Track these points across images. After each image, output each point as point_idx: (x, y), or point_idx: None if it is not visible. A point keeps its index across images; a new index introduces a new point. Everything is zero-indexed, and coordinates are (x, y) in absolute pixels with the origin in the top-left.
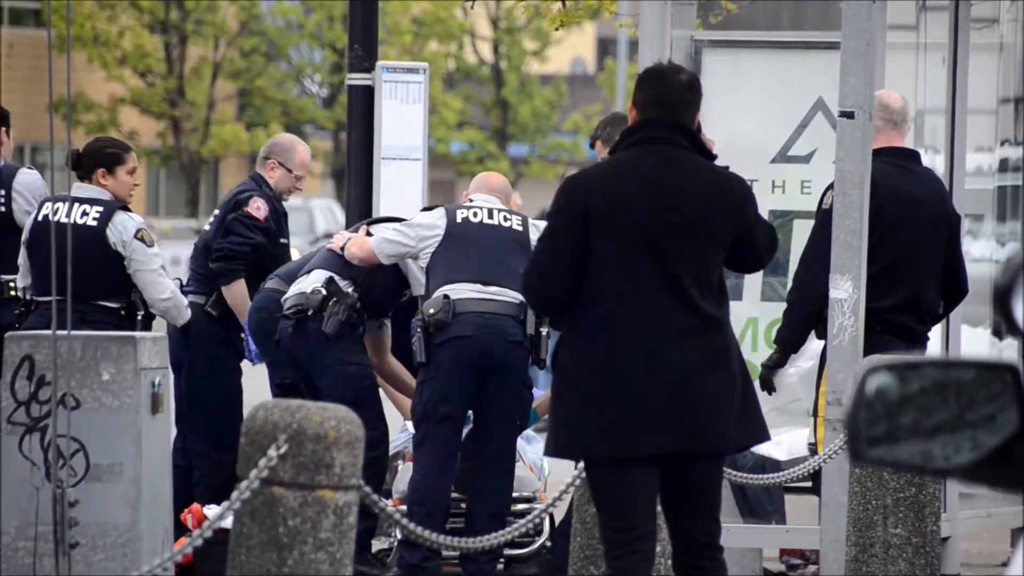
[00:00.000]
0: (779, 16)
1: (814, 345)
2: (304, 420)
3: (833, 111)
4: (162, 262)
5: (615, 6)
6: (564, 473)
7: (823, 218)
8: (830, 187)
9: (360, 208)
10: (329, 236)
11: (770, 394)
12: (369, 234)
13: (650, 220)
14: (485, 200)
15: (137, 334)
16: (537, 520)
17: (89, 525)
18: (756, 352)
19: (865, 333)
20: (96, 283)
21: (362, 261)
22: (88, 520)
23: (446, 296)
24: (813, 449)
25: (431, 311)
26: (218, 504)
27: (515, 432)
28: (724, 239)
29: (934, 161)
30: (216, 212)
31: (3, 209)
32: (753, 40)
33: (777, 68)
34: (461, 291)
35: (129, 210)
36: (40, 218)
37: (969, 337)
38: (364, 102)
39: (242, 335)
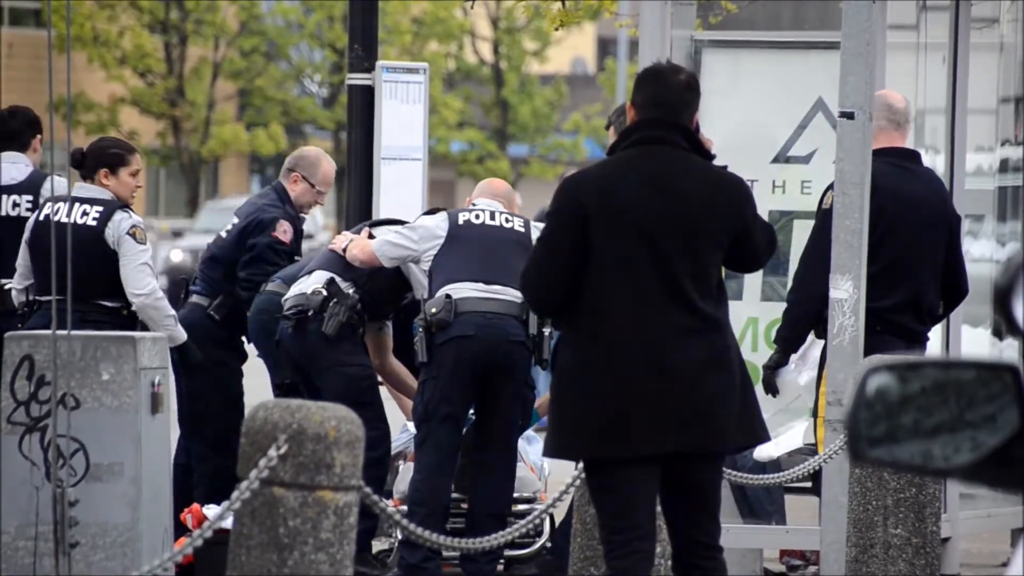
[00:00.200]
0: (779, 16)
1: (814, 352)
2: (304, 420)
3: (833, 111)
4: (149, 261)
5: (615, 6)
6: (564, 473)
7: (823, 218)
8: (830, 187)
9: (360, 208)
10: (309, 238)
11: (774, 396)
12: (371, 236)
13: (648, 220)
14: (488, 204)
15: (137, 334)
16: (537, 521)
17: (89, 525)
18: (756, 352)
19: (865, 333)
20: (96, 283)
21: (363, 263)
22: (88, 520)
23: (448, 296)
24: (813, 449)
25: (433, 310)
26: (218, 504)
27: (516, 432)
28: (722, 239)
29: (934, 161)
30: (235, 221)
31: (31, 214)
32: (753, 40)
33: (777, 68)
34: (463, 290)
35: (130, 210)
36: (41, 218)
37: (969, 337)
38: (364, 102)
39: (243, 338)
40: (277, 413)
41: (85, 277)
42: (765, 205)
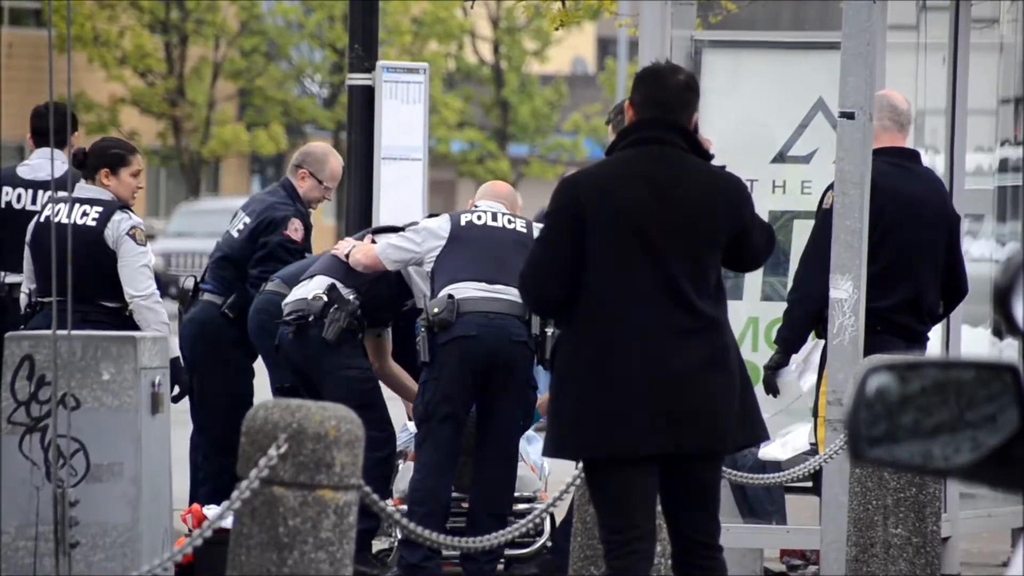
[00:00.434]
0: (779, 16)
1: (817, 356)
2: (304, 419)
3: (833, 111)
4: (149, 262)
5: (615, 6)
6: (564, 473)
7: (823, 218)
8: (830, 187)
9: (360, 208)
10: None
11: (775, 396)
12: (374, 242)
13: (647, 220)
14: (490, 206)
15: (137, 334)
16: (537, 520)
17: (89, 525)
18: (756, 352)
19: (865, 333)
20: (97, 283)
21: (367, 268)
22: (88, 520)
23: (451, 296)
24: (814, 449)
25: (435, 310)
26: (219, 504)
27: (518, 432)
28: (721, 239)
29: (934, 161)
30: (245, 220)
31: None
32: (753, 40)
33: (777, 68)
34: (466, 290)
35: (130, 210)
36: (42, 219)
37: (969, 337)
38: (364, 102)
39: None
40: (277, 413)
41: (86, 278)
42: (765, 205)
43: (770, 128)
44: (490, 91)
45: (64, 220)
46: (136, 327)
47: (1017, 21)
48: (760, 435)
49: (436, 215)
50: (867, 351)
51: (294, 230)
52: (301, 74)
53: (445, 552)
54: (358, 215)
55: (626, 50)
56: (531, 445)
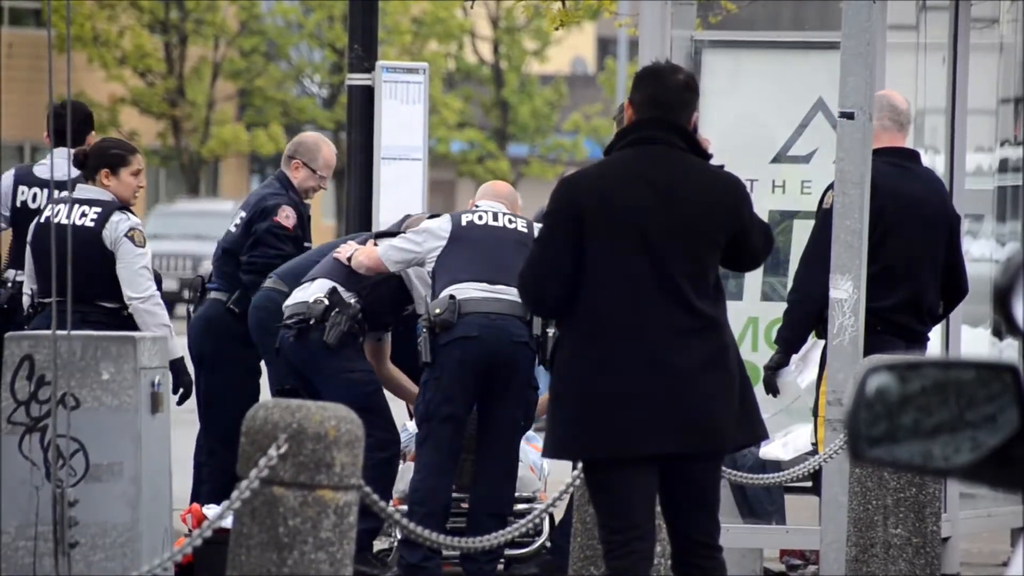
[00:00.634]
0: (779, 16)
1: (816, 354)
2: (304, 419)
3: (833, 111)
4: (148, 263)
5: (615, 6)
6: (564, 473)
7: (823, 218)
8: (830, 187)
9: (360, 208)
10: None
11: (774, 396)
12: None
13: (645, 220)
14: (491, 206)
15: (137, 334)
16: (537, 520)
17: (89, 525)
18: (756, 352)
19: (865, 333)
20: (96, 284)
21: (370, 270)
22: (88, 520)
23: (452, 296)
24: (814, 449)
25: (437, 311)
26: (219, 504)
27: (518, 433)
28: (719, 239)
29: (934, 161)
30: (242, 214)
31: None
32: (753, 40)
33: (777, 68)
34: (467, 290)
35: (129, 211)
36: (43, 220)
37: (969, 337)
38: (364, 102)
39: None
40: (277, 413)
41: (84, 278)
42: (765, 205)
43: (770, 128)
44: (490, 91)
45: (64, 220)
46: (136, 327)
47: (1017, 21)
48: (760, 435)
49: (437, 215)
50: (867, 351)
51: (284, 217)
52: (301, 74)
53: (445, 552)
54: (358, 215)
55: (626, 50)
56: (531, 445)
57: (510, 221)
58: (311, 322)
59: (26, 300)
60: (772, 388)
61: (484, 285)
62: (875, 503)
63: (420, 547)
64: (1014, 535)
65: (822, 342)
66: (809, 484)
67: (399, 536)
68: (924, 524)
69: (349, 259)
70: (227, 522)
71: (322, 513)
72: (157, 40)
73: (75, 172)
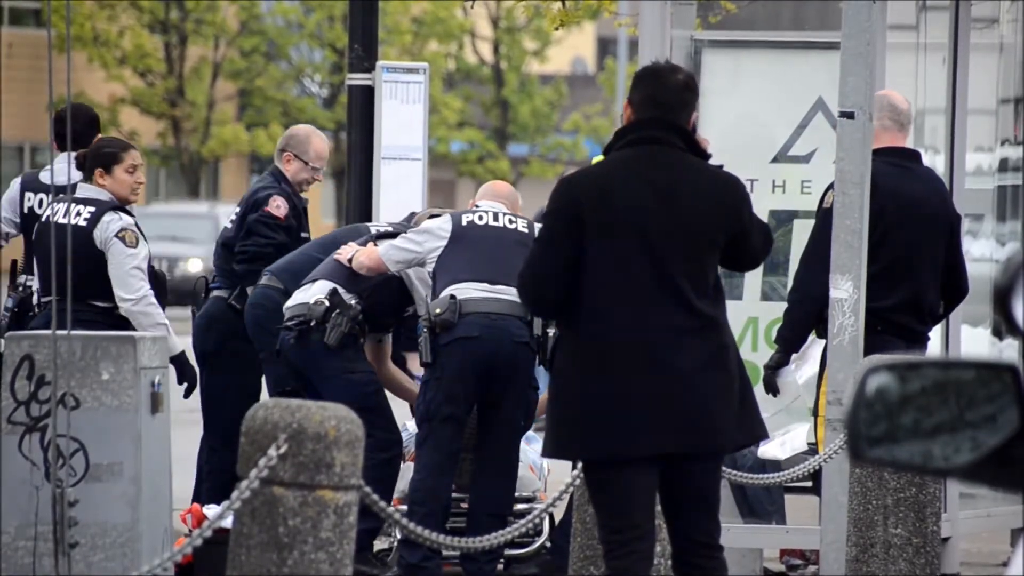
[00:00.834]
0: (779, 16)
1: (815, 351)
2: (304, 419)
3: (833, 111)
4: (141, 264)
5: (615, 6)
6: (564, 473)
7: (823, 218)
8: (830, 187)
9: (360, 208)
10: None
11: (774, 396)
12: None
13: (645, 220)
14: (491, 206)
15: (137, 334)
16: (537, 520)
17: (89, 525)
18: (756, 352)
19: (865, 333)
20: (88, 283)
21: (371, 270)
22: (88, 520)
23: (452, 296)
24: (813, 449)
25: (437, 311)
26: (219, 504)
27: (519, 433)
28: (719, 239)
29: (934, 161)
30: (237, 210)
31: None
32: (753, 40)
33: (777, 68)
34: (468, 290)
35: (123, 210)
36: (43, 220)
37: (969, 337)
38: (364, 102)
39: None
40: (277, 413)
41: (76, 277)
42: (765, 205)
43: (770, 128)
44: (490, 91)
45: (61, 220)
46: (130, 325)
47: (1017, 21)
48: (759, 435)
49: (438, 215)
50: (867, 351)
51: (275, 207)
52: (301, 74)
53: (445, 552)
54: (358, 215)
55: (626, 50)
56: (530, 445)
57: (510, 221)
58: (312, 324)
59: (34, 299)
60: (772, 388)
61: (485, 285)
62: (875, 503)
63: (420, 547)
64: (1014, 535)
65: (822, 340)
66: (809, 484)
67: (399, 536)
68: (924, 524)
69: (350, 260)
70: (227, 522)
71: (322, 513)
72: (157, 40)
73: (79, 175)
